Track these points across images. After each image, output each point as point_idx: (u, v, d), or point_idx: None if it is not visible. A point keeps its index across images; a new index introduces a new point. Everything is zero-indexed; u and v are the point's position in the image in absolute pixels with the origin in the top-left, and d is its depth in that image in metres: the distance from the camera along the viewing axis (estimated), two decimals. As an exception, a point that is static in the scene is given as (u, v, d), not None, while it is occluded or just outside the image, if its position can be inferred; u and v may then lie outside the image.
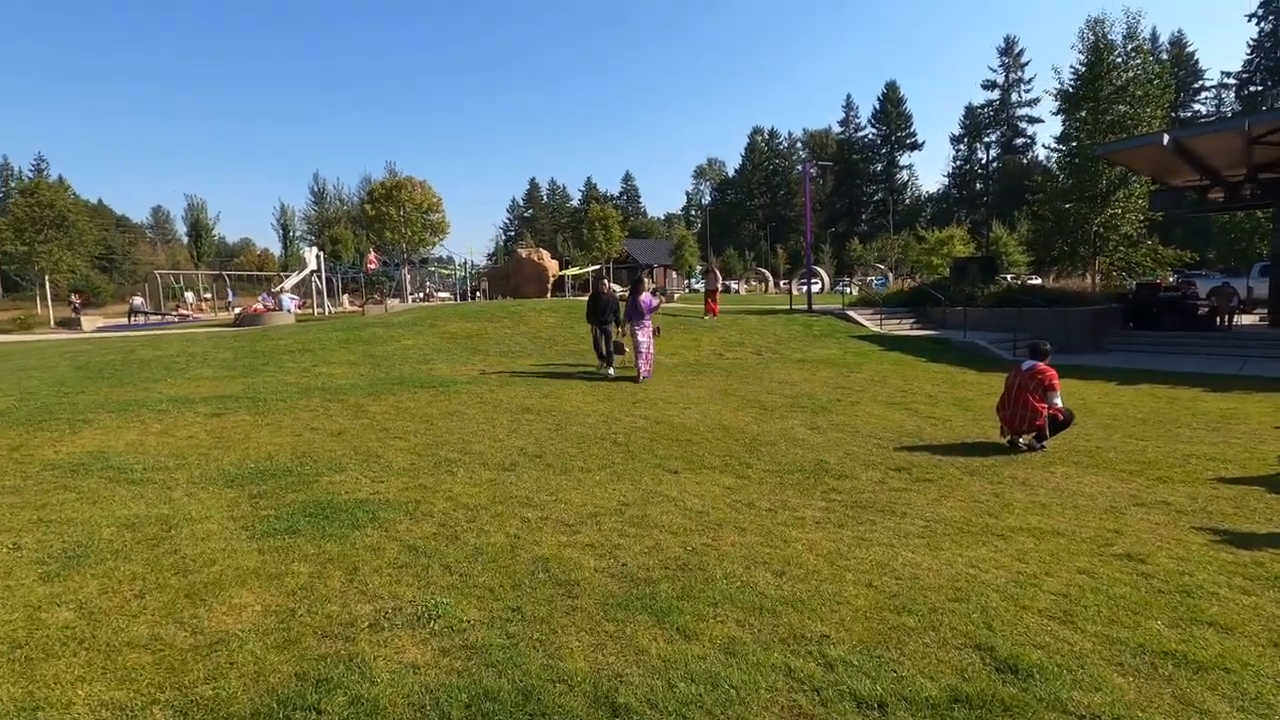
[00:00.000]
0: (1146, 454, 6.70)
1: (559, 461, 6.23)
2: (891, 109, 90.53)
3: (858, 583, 3.58)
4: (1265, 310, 20.12)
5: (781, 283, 59.87)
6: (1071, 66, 22.73)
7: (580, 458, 6.38)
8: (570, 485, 5.46)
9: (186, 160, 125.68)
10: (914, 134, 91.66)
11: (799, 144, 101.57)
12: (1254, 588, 3.55)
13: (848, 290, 36.54)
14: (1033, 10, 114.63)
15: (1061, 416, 6.80)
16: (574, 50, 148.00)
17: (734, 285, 56.76)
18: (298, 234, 75.28)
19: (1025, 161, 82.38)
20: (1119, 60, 21.51)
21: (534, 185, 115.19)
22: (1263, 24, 68.19)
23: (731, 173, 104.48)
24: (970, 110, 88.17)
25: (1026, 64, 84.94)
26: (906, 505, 5.04)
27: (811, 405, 9.49)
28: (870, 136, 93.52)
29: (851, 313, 20.88)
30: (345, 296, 35.42)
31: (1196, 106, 74.40)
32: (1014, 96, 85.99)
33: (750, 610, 3.25)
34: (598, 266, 37.99)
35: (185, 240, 70.83)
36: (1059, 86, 22.71)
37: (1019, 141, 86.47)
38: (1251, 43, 69.20)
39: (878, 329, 19.43)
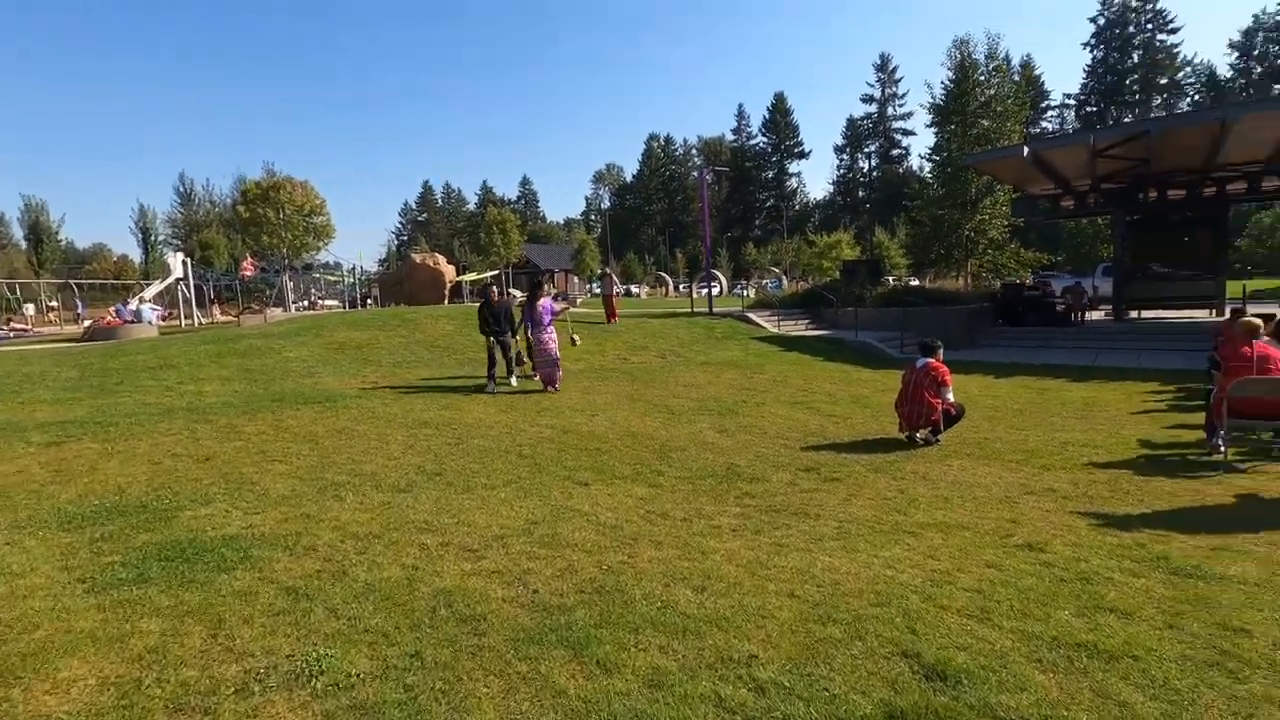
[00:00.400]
0: (1028, 443, 7.11)
1: (461, 479, 5.82)
2: (780, 119, 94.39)
3: (780, 593, 3.47)
4: (1109, 307, 22.36)
5: (681, 286, 60.85)
6: (941, 82, 24.41)
7: (484, 474, 6.00)
8: (474, 505, 5.09)
9: (26, 160, 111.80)
10: (801, 143, 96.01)
11: (694, 151, 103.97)
12: (1141, 569, 3.74)
13: (745, 293, 37.61)
14: (906, 30, 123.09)
15: (954, 411, 7.11)
16: (477, 50, 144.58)
17: (634, 289, 57.12)
18: (161, 238, 68.81)
19: (901, 171, 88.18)
20: (982, 78, 23.28)
21: (428, 188, 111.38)
22: (1095, 52, 76.55)
23: (630, 178, 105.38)
24: (851, 122, 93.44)
25: (900, 80, 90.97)
26: (819, 506, 5.04)
27: (718, 408, 9.50)
28: (761, 145, 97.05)
29: (751, 315, 21.40)
30: (216, 307, 32.59)
31: (1044, 124, 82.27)
32: (890, 110, 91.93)
33: (673, 633, 3.05)
34: (496, 271, 37.04)
35: (23, 245, 62.95)
36: (931, 100, 24.32)
37: (895, 152, 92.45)
38: (1086, 68, 77.53)
39: (776, 330, 19.99)
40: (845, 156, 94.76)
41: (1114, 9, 76.22)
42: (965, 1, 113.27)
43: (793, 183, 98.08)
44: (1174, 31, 74.44)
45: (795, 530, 4.50)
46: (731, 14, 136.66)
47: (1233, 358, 5.98)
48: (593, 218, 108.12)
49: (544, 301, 11.12)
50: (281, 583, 3.64)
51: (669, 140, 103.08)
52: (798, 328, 20.93)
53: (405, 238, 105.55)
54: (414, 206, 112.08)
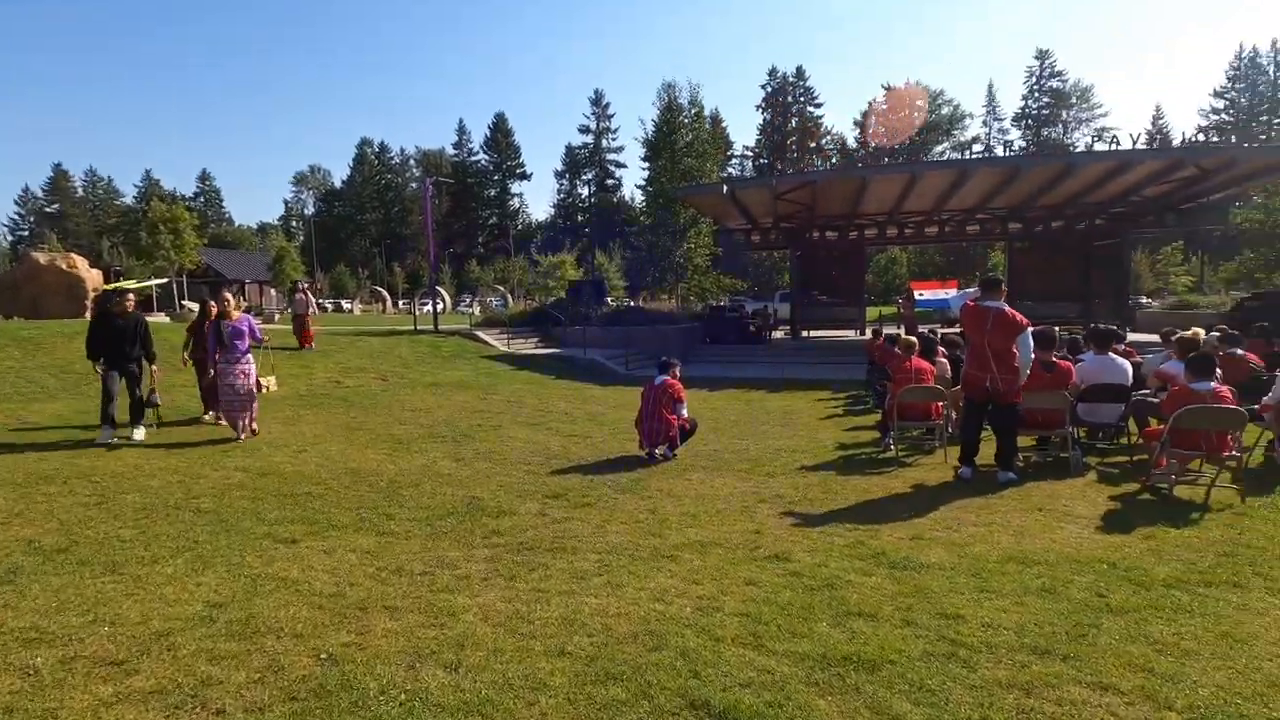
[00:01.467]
0: (750, 452, 7.70)
1: (102, 553, 4.29)
2: (502, 138, 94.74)
3: (549, 652, 3.01)
4: (787, 327, 26.32)
5: (401, 302, 57.15)
6: (653, 120, 26.56)
7: (141, 542, 4.51)
8: (122, 591, 3.73)
9: None
10: (523, 164, 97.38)
11: (413, 161, 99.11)
12: (869, 568, 4.07)
13: (470, 310, 36.57)
14: (619, 69, 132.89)
15: (688, 426, 7.39)
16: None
17: (347, 305, 52.09)
18: None
19: (616, 200, 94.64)
20: (685, 120, 25.84)
21: (60, 173, 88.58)
22: (765, 114, 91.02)
23: (339, 183, 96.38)
24: (570, 150, 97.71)
25: (613, 115, 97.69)
26: (574, 538, 4.70)
27: (452, 433, 8.72)
28: (483, 162, 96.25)
29: (480, 333, 20.65)
30: None
31: (730, 169, 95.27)
32: (604, 142, 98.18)
33: (425, 736, 2.40)
34: (165, 279, 30.59)
35: None
36: (645, 135, 26.29)
37: (610, 181, 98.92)
38: (759, 127, 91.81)
39: (506, 348, 19.55)
40: (565, 182, 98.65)
41: (777, 80, 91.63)
42: (675, 52, 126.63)
43: (515, 202, 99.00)
44: (819, 106, 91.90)
45: (554, 570, 4.09)
46: (454, 26, 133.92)
47: (899, 370, 7.16)
48: (294, 224, 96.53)
49: (240, 318, 8.39)
50: None
51: (384, 147, 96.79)
52: (527, 346, 20.76)
53: (25, 232, 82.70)
54: (40, 194, 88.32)
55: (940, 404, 7.11)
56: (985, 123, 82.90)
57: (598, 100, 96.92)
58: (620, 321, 20.92)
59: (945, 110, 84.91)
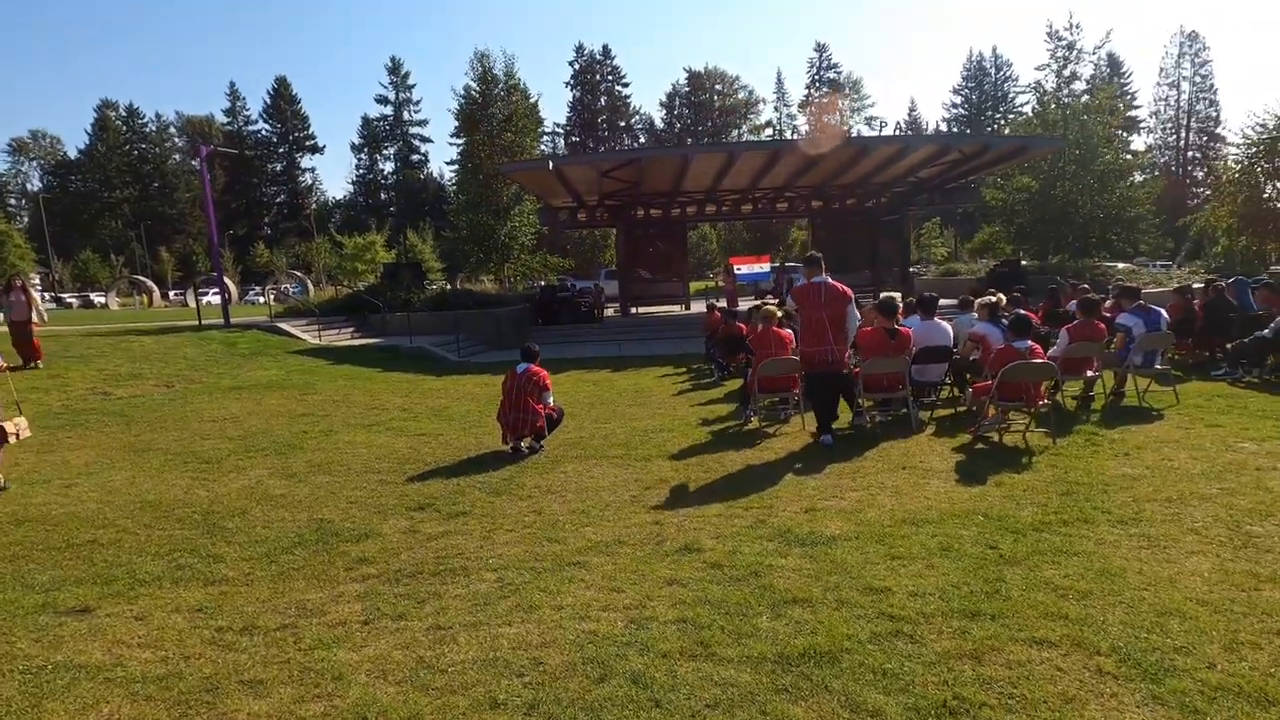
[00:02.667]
0: (617, 436, 7.47)
1: None
2: (285, 106, 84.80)
3: (478, 707, 2.53)
4: (616, 305, 26.53)
5: (172, 293, 49.37)
6: (465, 88, 25.07)
7: None
8: None
9: None
10: (314, 136, 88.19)
11: (174, 129, 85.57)
12: (781, 548, 4.01)
13: (259, 300, 32.48)
14: (416, 35, 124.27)
15: (556, 415, 6.98)
16: None
17: (99, 299, 43.87)
18: None
19: (423, 177, 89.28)
20: (501, 94, 24.73)
21: None
22: (575, 91, 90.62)
23: (75, 153, 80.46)
24: (367, 121, 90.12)
25: (414, 86, 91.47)
26: (459, 556, 4.14)
27: (273, 445, 7.49)
28: (265, 133, 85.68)
29: (284, 325, 18.30)
30: None
31: (543, 146, 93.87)
32: (406, 115, 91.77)
33: None
34: None
35: None
36: (460, 106, 24.74)
37: (415, 158, 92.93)
38: (569, 104, 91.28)
39: (318, 341, 17.52)
40: (364, 156, 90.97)
41: (585, 58, 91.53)
42: (476, 17, 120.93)
43: (307, 178, 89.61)
44: (626, 85, 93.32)
45: (449, 598, 3.53)
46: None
47: (760, 342, 7.29)
48: (15, 201, 79.29)
49: None
50: None
51: (134, 111, 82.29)
52: (342, 337, 18.78)
53: None
54: None
55: (798, 374, 7.38)
56: (776, 108, 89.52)
57: (395, 69, 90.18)
58: (447, 306, 19.64)
59: (741, 95, 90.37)
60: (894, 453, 6.14)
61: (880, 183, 23.57)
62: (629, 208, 23.75)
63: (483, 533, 4.56)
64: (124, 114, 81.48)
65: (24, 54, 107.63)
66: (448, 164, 74.43)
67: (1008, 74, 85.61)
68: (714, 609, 3.25)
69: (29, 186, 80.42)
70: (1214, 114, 73.77)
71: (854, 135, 18.35)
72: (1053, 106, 24.90)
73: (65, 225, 68.34)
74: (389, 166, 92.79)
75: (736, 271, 24.17)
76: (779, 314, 7.45)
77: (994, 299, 7.84)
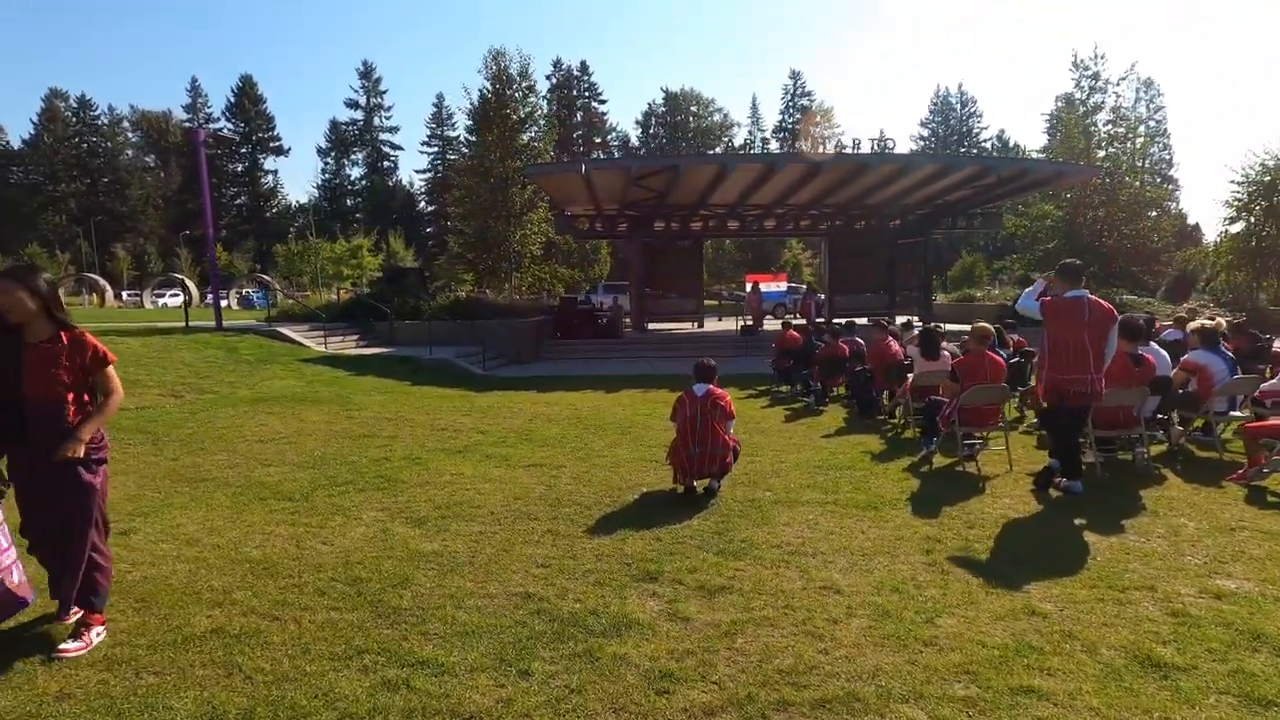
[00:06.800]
0: (789, 474, 6.21)
1: None
2: (250, 105, 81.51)
3: None
4: (628, 320, 25.22)
5: (125, 293, 46.08)
6: (480, 90, 23.70)
7: None
8: None
9: None
10: (279, 138, 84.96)
11: (127, 123, 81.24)
12: (1253, 646, 2.83)
13: (226, 303, 30.15)
14: (388, 40, 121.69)
15: (738, 448, 5.69)
16: None
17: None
18: None
19: (391, 184, 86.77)
20: (517, 95, 23.44)
21: None
22: (552, 105, 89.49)
23: (18, 143, 75.42)
24: (335, 125, 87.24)
25: (385, 91, 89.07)
26: (799, 666, 2.83)
27: (359, 476, 6.00)
28: (227, 131, 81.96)
29: (284, 329, 16.47)
30: None
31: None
32: (376, 120, 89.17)
33: None
34: None
35: None
36: (471, 105, 23.35)
37: (385, 164, 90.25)
38: (544, 117, 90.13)
39: (323, 349, 15.81)
40: (330, 160, 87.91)
41: (562, 73, 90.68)
42: (456, 26, 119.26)
43: (269, 180, 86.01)
44: (603, 102, 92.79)
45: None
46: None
47: (971, 368, 6.11)
48: (-55, 192, 73.74)
49: None
50: None
51: (85, 102, 77.82)
52: (348, 344, 17.07)
53: None
54: None
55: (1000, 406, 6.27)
56: (750, 132, 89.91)
57: (367, 73, 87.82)
58: (464, 314, 18.07)
59: (716, 118, 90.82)
60: (1175, 503, 5.04)
61: (906, 205, 23.03)
62: (649, 219, 22.61)
63: (774, 615, 3.26)
64: (74, 105, 77.08)
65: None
66: (418, 172, 72.32)
67: (972, 109, 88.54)
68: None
69: (-37, 176, 74.90)
70: (1167, 157, 77.38)
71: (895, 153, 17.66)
72: (1077, 132, 24.81)
73: (4, 218, 63.73)
74: (356, 172, 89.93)
75: (762, 290, 23.19)
76: (990, 335, 6.28)
77: (1211, 323, 6.88)
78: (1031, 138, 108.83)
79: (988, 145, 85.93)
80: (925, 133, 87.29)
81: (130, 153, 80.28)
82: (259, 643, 3.05)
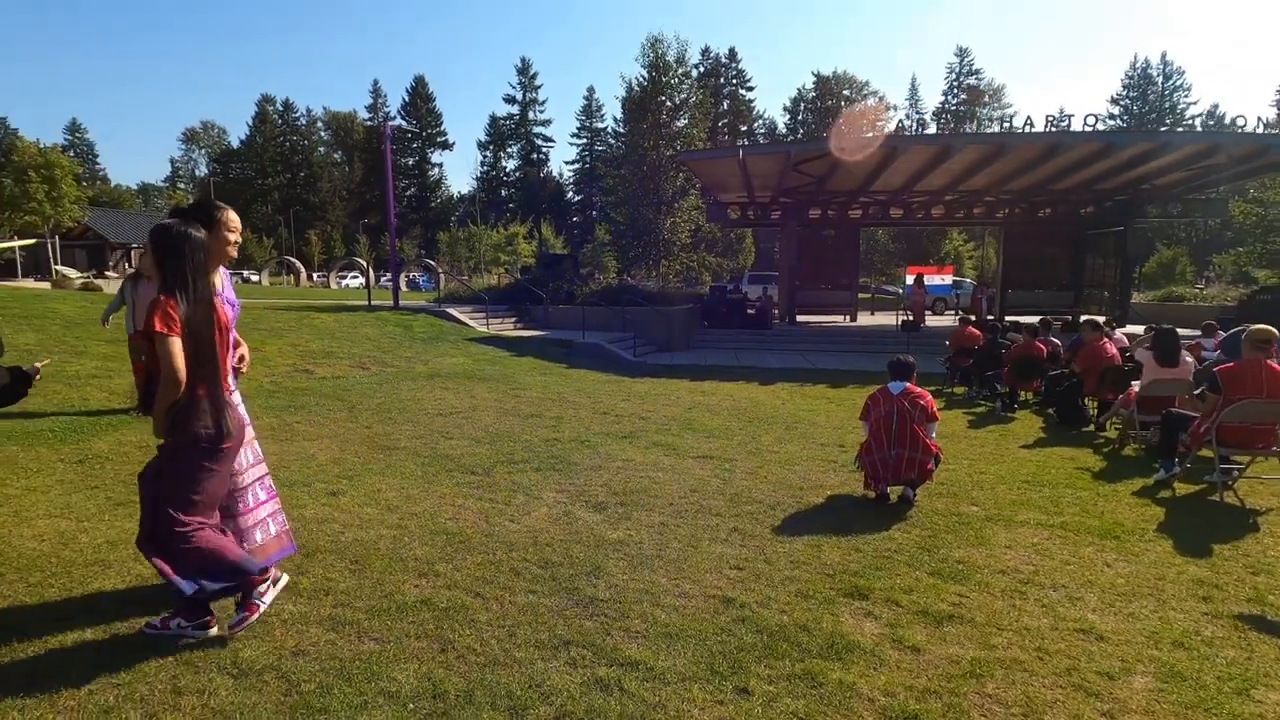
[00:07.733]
0: (993, 487, 5.51)
1: None
2: (421, 104, 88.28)
3: None
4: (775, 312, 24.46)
5: (315, 275, 51.69)
6: (637, 77, 23.83)
7: None
8: None
9: None
10: (445, 133, 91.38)
11: (320, 123, 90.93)
12: None
13: (388, 286, 32.79)
14: (546, 36, 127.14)
15: (940, 455, 5.10)
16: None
17: (254, 276, 46.36)
18: None
19: (542, 175, 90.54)
20: (674, 81, 23.30)
21: (-117, 112, 74.98)
22: (699, 94, 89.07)
23: (236, 143, 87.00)
24: (494, 120, 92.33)
25: (540, 86, 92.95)
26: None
27: (534, 455, 6.05)
28: (402, 128, 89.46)
29: (452, 310, 17.52)
30: None
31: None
32: (531, 114, 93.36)
33: None
34: (34, 239, 25.04)
35: None
36: (627, 94, 23.54)
37: (536, 156, 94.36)
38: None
39: (486, 329, 16.59)
40: (489, 154, 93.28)
41: (710, 61, 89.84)
42: (604, 28, 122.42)
43: (435, 173, 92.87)
44: (751, 89, 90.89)
45: None
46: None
47: (1240, 379, 5.06)
48: (183, 185, 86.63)
49: (223, 283, 3.23)
50: None
51: (289, 106, 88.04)
52: (506, 326, 17.83)
53: None
54: None
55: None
56: (908, 115, 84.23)
57: (524, 69, 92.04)
58: (614, 301, 18.30)
59: (871, 101, 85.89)
60: None
61: (1102, 190, 20.34)
62: (805, 207, 21.68)
63: (1025, 659, 2.74)
64: (280, 108, 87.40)
65: (194, 50, 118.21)
66: (567, 163, 74.68)
67: (1178, 82, 76.88)
68: None
69: (197, 172, 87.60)
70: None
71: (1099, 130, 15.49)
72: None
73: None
74: (511, 164, 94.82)
75: (926, 282, 21.55)
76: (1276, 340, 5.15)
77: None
78: (1253, 112, 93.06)
79: (1195, 124, 74.54)
80: (1117, 110, 77.13)
81: (322, 150, 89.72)
82: (465, 620, 3.02)
